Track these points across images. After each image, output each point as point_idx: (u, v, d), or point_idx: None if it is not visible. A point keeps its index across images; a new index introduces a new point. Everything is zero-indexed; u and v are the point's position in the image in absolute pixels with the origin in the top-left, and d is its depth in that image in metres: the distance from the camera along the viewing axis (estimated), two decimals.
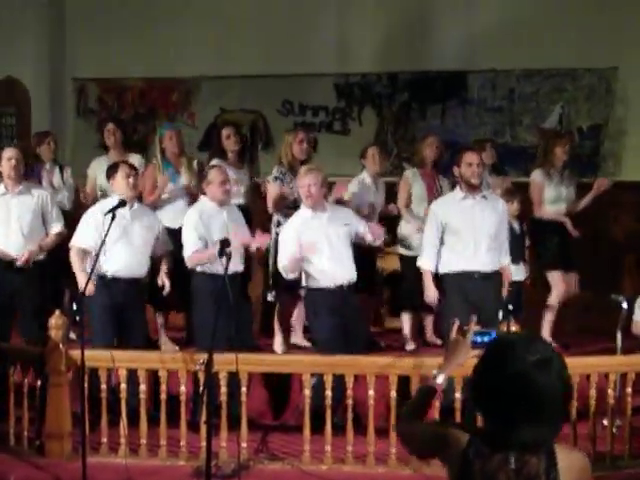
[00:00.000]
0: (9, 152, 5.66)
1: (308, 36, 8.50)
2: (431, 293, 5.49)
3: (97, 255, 4.99)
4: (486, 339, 2.34)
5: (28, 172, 6.18)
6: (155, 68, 8.73)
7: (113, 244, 5.30)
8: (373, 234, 5.51)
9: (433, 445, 2.22)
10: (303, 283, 5.46)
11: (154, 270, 5.89)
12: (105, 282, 5.35)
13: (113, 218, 4.97)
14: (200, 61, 8.59)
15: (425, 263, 5.51)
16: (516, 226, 6.37)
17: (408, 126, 8.60)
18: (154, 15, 8.64)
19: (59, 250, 5.80)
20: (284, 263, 5.36)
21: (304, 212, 5.47)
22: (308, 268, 5.35)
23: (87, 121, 9.04)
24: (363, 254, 5.94)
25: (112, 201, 5.40)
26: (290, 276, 5.41)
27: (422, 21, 8.46)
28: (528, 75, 8.39)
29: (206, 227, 5.38)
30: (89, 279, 4.92)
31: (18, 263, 5.59)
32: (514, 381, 1.99)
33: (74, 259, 5.41)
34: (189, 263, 5.44)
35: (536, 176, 6.45)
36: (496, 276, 5.50)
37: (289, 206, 5.92)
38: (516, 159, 8.18)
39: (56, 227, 5.81)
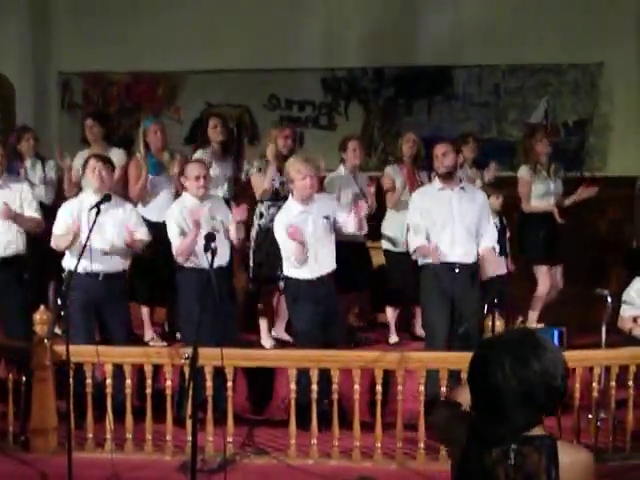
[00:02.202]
0: None
1: (294, 31, 8.50)
2: (426, 247, 5.32)
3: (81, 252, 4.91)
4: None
5: (9, 168, 6.15)
6: (141, 62, 8.70)
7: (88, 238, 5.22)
8: (357, 215, 5.35)
9: (446, 435, 2.26)
10: (283, 272, 5.43)
11: (138, 266, 5.88)
12: (81, 278, 5.20)
13: (98, 213, 4.95)
14: (186, 55, 8.57)
15: (417, 242, 5.36)
16: (496, 221, 6.39)
17: (394, 121, 8.62)
18: (140, 9, 8.61)
19: (40, 245, 5.77)
20: (293, 258, 5.29)
21: (294, 206, 5.37)
22: (289, 258, 5.32)
23: (72, 115, 9.00)
24: (357, 251, 5.99)
25: (85, 196, 5.43)
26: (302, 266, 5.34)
27: (408, 16, 8.47)
28: (513, 70, 8.42)
29: (187, 222, 5.35)
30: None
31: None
32: (471, 375, 2.07)
33: (59, 240, 5.31)
34: (179, 258, 5.40)
35: (523, 172, 6.49)
36: (474, 267, 5.48)
37: (270, 198, 5.94)
38: (502, 154, 8.19)
39: (30, 212, 5.69)
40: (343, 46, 8.56)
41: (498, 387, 1.99)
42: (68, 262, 5.35)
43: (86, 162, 5.53)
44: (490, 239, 5.53)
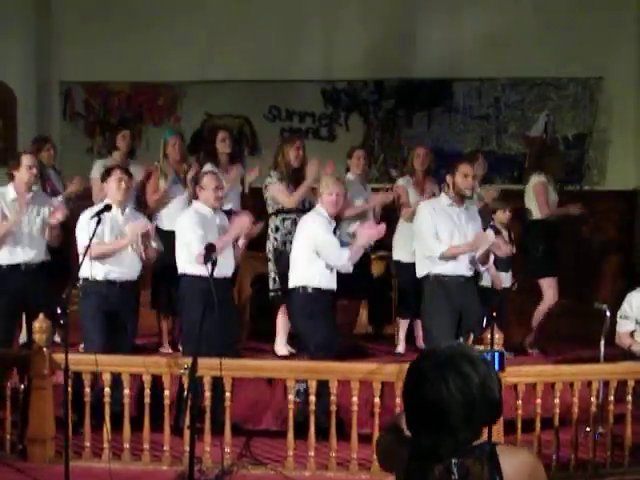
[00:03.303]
0: (29, 159, 5.61)
1: (295, 42, 8.53)
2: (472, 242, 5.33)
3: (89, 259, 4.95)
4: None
5: (44, 178, 6.24)
6: (141, 72, 8.73)
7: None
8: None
9: (388, 460, 2.23)
10: (298, 283, 5.44)
11: (156, 276, 5.94)
12: (98, 286, 5.34)
13: (98, 222, 4.97)
14: (186, 66, 8.60)
15: (442, 247, 5.30)
16: (505, 234, 6.43)
17: (394, 133, 8.64)
18: (141, 19, 8.64)
19: (59, 253, 5.89)
20: (345, 259, 5.33)
21: (324, 212, 5.47)
22: (313, 267, 5.37)
23: (74, 124, 9.02)
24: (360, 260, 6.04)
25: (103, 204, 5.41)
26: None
27: (408, 29, 8.51)
28: (513, 84, 8.45)
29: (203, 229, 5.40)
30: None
31: (53, 221, 5.55)
32: (410, 392, 2.05)
33: (99, 250, 5.28)
34: (197, 262, 5.38)
35: (541, 178, 6.52)
36: (474, 281, 5.56)
37: (285, 211, 6.06)
38: (502, 167, 8.25)
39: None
40: (344, 58, 8.59)
41: (442, 403, 1.97)
42: (85, 269, 5.29)
43: (108, 172, 5.54)
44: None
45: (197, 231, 5.33)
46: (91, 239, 4.87)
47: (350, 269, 5.40)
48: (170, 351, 6.30)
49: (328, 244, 5.36)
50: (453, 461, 1.98)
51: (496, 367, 2.31)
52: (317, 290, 5.36)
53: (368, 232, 5.42)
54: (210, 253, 4.47)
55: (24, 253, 5.59)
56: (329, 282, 5.42)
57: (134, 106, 9.01)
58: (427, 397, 1.99)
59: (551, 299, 6.49)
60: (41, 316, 5.01)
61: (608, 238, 8.00)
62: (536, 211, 6.54)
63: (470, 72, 8.43)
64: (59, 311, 4.64)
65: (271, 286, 6.14)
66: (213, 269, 4.30)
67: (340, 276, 5.50)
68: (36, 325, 4.96)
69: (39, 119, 8.70)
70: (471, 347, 2.12)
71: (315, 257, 5.36)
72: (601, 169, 8.37)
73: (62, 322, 4.60)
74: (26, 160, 5.58)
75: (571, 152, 8.36)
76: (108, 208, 5.17)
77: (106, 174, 5.57)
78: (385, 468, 2.26)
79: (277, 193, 6.10)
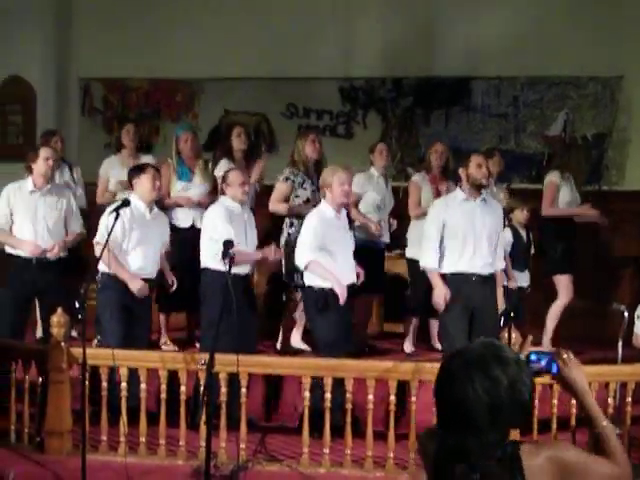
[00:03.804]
0: (46, 152, 5.72)
1: (313, 39, 8.52)
2: (441, 292, 5.29)
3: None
4: (543, 361, 2.25)
5: None
6: (160, 69, 8.75)
7: (135, 245, 5.39)
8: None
9: (422, 453, 2.23)
10: (308, 282, 5.43)
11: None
12: (117, 280, 5.38)
13: (117, 218, 4.98)
14: (204, 62, 8.61)
15: (429, 262, 5.37)
16: (523, 234, 6.39)
17: (412, 131, 8.62)
18: (160, 16, 8.67)
19: (74, 247, 5.96)
20: (303, 260, 5.35)
21: (328, 210, 5.42)
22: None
23: (92, 120, 9.07)
24: (371, 255, 6.01)
25: (133, 202, 5.41)
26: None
27: (427, 27, 8.48)
28: (532, 83, 8.41)
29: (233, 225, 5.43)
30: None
31: (49, 254, 5.64)
32: (438, 391, 2.04)
33: (110, 259, 5.30)
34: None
35: (554, 177, 6.44)
36: (492, 280, 5.49)
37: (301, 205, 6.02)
38: (520, 166, 8.21)
39: (76, 227, 5.90)
40: (361, 56, 8.58)
41: (467, 404, 1.96)
42: (104, 264, 5.36)
43: (140, 169, 5.55)
44: (500, 260, 5.60)
45: (227, 227, 5.35)
46: (109, 234, 4.91)
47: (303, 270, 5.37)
48: (172, 347, 6.29)
49: (300, 243, 5.38)
50: (476, 461, 1.98)
51: (554, 370, 2.25)
52: (326, 289, 5.30)
53: None
54: (228, 249, 4.48)
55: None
56: (342, 280, 5.33)
57: (152, 102, 9.05)
58: (453, 396, 1.99)
59: (566, 297, 6.43)
60: (59, 310, 5.04)
61: (626, 238, 7.93)
62: (546, 206, 6.47)
63: (489, 70, 8.40)
64: (77, 305, 4.68)
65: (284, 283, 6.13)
66: (231, 265, 4.31)
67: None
68: (54, 319, 5.00)
69: (58, 115, 8.75)
70: (504, 347, 2.06)
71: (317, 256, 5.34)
72: (620, 169, 8.31)
73: (80, 317, 4.63)
74: (43, 152, 5.68)
75: (590, 152, 8.29)
76: (127, 203, 5.18)
77: (138, 171, 5.55)
78: (420, 461, 2.26)
79: (275, 190, 6.09)
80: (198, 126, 8.75)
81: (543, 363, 2.21)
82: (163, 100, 9.05)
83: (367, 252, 5.90)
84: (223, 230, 5.32)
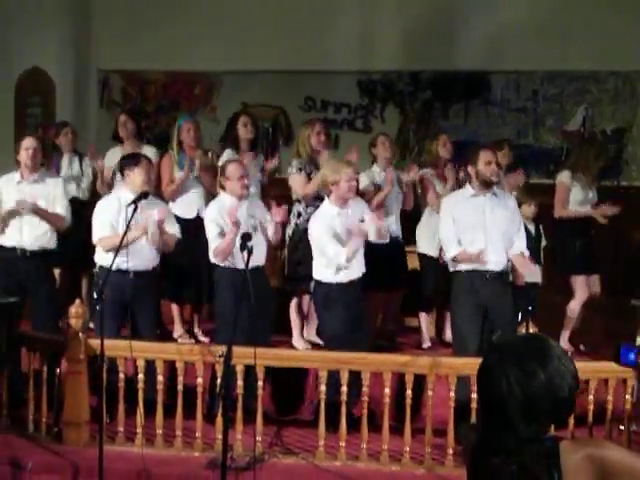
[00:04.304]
0: (27, 142, 5.74)
1: (331, 33, 8.52)
2: (478, 254, 5.21)
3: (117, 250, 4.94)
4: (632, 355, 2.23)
5: (49, 162, 6.27)
6: (178, 62, 8.78)
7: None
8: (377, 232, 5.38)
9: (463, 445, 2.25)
10: (316, 276, 5.40)
11: (169, 264, 5.91)
12: (116, 275, 5.19)
13: (135, 210, 4.98)
14: (222, 56, 8.63)
15: (454, 250, 5.29)
16: (531, 228, 6.34)
17: (430, 125, 8.60)
18: (178, 9, 8.69)
19: (78, 240, 5.97)
20: (344, 258, 5.20)
21: (330, 209, 5.34)
22: (322, 261, 5.33)
23: (110, 112, 9.09)
24: (392, 250, 5.97)
25: (122, 193, 5.41)
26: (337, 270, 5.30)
27: (446, 20, 8.45)
28: (552, 77, 8.36)
29: (226, 222, 5.34)
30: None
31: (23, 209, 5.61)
32: (478, 383, 2.05)
33: (106, 242, 5.30)
34: (217, 259, 5.39)
35: (564, 177, 6.37)
36: (506, 275, 5.46)
37: (313, 197, 5.91)
38: (539, 160, 8.17)
39: (60, 210, 5.81)
40: (380, 49, 8.57)
41: (502, 397, 1.95)
42: (100, 258, 5.39)
43: (133, 160, 5.48)
44: (519, 245, 5.46)
45: (214, 228, 5.32)
46: (128, 226, 4.90)
47: (345, 264, 5.20)
48: (188, 339, 6.30)
49: (326, 246, 5.23)
50: (514, 453, 1.96)
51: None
52: (334, 284, 5.25)
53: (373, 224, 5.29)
54: (246, 242, 4.48)
55: (23, 237, 5.68)
56: (348, 275, 5.29)
57: (170, 95, 9.08)
58: (489, 390, 1.99)
59: (582, 297, 6.38)
60: (77, 301, 5.07)
61: None
62: (558, 208, 6.41)
63: (508, 64, 8.36)
64: (95, 296, 4.70)
65: (286, 272, 6.08)
66: (249, 258, 4.30)
67: (376, 269, 5.48)
68: (72, 310, 5.02)
69: (77, 107, 8.80)
70: (549, 341, 2.02)
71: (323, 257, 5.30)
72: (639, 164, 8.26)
73: (97, 308, 4.65)
74: (24, 143, 5.72)
75: (609, 147, 8.23)
76: (145, 196, 5.17)
77: (130, 162, 5.48)
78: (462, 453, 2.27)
79: (294, 184, 6.01)
80: (216, 119, 8.78)
81: (632, 357, 2.21)
82: (181, 93, 9.08)
83: (387, 246, 5.81)
84: (211, 232, 5.32)
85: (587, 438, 3.22)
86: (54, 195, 5.79)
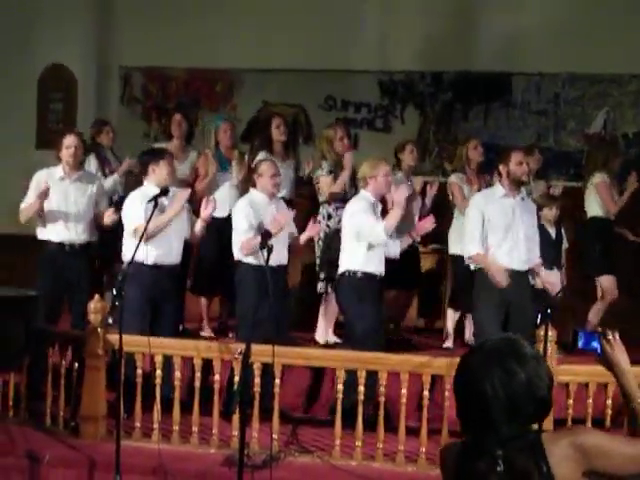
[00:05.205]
0: (69, 140, 5.80)
1: (352, 32, 8.50)
2: (499, 268, 5.25)
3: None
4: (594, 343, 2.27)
5: (101, 160, 6.51)
6: (199, 59, 8.79)
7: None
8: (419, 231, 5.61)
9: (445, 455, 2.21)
10: (347, 268, 5.41)
11: (201, 260, 5.98)
12: (144, 270, 5.32)
13: (155, 206, 4.99)
14: (244, 53, 8.63)
15: (473, 249, 5.35)
16: (552, 232, 6.32)
17: (450, 126, 8.57)
18: (200, 6, 8.70)
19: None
20: (380, 231, 5.28)
21: (369, 197, 5.45)
22: (359, 251, 5.35)
23: (130, 109, 9.13)
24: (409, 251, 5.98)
25: (147, 188, 5.44)
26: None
27: (467, 21, 8.42)
28: (574, 79, 8.31)
29: (256, 218, 5.41)
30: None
31: (106, 219, 5.71)
32: (457, 385, 2.06)
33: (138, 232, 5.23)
34: (240, 252, 5.41)
35: (601, 177, 6.39)
36: (528, 276, 5.49)
37: (339, 199, 6.00)
38: (560, 164, 8.11)
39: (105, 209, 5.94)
40: (401, 49, 8.54)
41: (485, 399, 1.97)
42: (129, 253, 5.41)
43: (159, 155, 5.55)
44: (537, 252, 5.53)
45: (244, 223, 5.37)
46: (148, 221, 4.92)
47: (385, 238, 5.28)
48: (211, 335, 6.36)
49: (364, 221, 5.32)
50: (498, 453, 1.98)
51: (598, 351, 2.27)
52: (365, 274, 5.33)
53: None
54: (266, 240, 4.49)
55: (69, 232, 5.75)
56: (376, 267, 5.38)
57: (191, 92, 9.09)
58: (471, 390, 2.01)
59: (609, 298, 6.39)
60: (97, 296, 5.09)
61: None
62: (596, 210, 6.40)
63: (530, 66, 8.31)
64: (114, 292, 4.72)
65: (319, 274, 6.14)
66: (269, 256, 4.31)
67: (388, 267, 5.49)
68: (91, 305, 5.04)
69: (98, 103, 8.84)
70: (523, 342, 2.07)
71: (359, 240, 5.34)
72: None
73: (116, 303, 4.67)
74: (65, 141, 5.78)
75: (631, 150, 8.18)
76: (165, 192, 5.19)
77: (155, 156, 5.53)
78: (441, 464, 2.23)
79: (324, 186, 6.10)
80: (237, 117, 8.79)
81: (594, 344, 2.24)
82: (202, 90, 9.09)
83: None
84: (240, 226, 5.37)
85: (565, 427, 3.26)
86: (97, 193, 5.94)
